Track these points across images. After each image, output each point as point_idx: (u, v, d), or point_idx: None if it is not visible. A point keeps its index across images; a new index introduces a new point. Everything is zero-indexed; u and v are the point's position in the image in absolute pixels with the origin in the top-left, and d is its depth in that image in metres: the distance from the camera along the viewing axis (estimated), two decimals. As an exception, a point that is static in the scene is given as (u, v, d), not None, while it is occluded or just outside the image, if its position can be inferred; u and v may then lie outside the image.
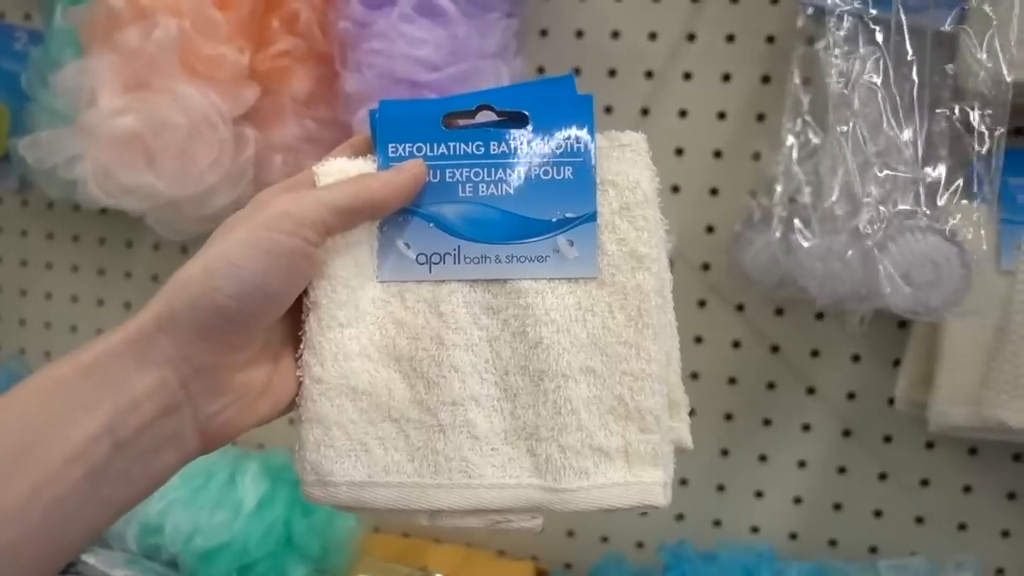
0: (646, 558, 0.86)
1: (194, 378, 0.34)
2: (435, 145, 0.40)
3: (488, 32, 0.70)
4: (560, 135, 0.40)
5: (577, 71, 0.81)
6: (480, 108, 0.41)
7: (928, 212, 0.55)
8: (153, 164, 0.68)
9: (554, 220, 0.39)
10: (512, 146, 0.40)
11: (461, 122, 0.41)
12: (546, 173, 0.39)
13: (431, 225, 0.39)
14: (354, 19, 0.69)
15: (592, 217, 0.39)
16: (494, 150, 0.40)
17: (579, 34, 0.81)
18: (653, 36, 0.80)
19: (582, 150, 0.39)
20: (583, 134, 0.40)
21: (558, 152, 0.40)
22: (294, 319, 0.39)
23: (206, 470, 0.81)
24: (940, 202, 0.55)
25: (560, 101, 0.40)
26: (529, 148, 0.40)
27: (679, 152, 0.80)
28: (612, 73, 0.81)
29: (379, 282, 0.39)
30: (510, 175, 0.39)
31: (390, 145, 0.40)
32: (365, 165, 0.40)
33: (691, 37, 0.79)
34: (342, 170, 0.39)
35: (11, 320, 1.02)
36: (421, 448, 0.38)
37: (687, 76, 0.80)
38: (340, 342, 0.38)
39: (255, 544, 0.76)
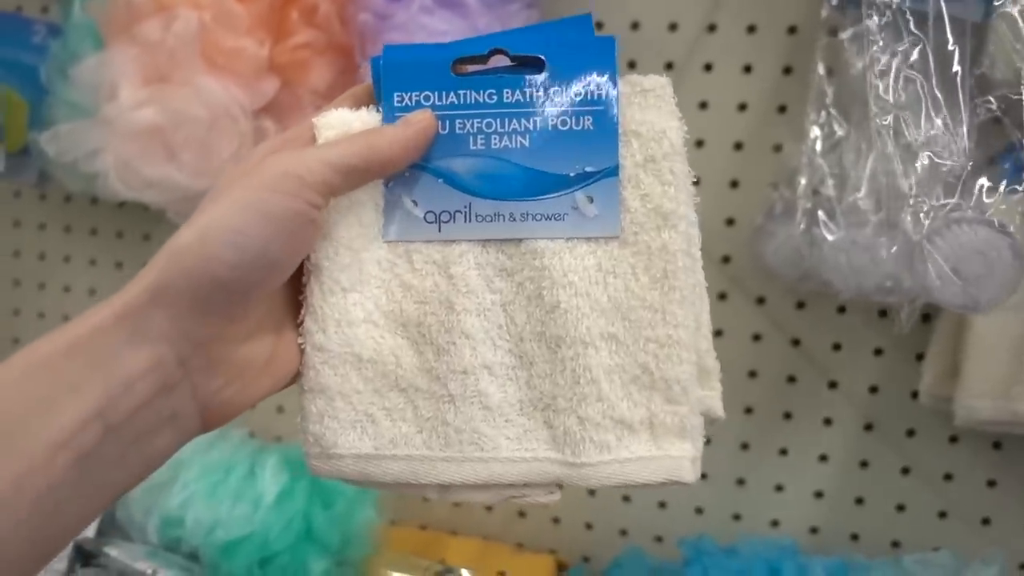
0: (665, 552, 0.86)
1: (192, 354, 0.32)
2: (444, 94, 0.36)
3: (508, 24, 0.70)
4: (580, 81, 0.36)
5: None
6: (492, 53, 0.37)
7: (972, 204, 0.54)
8: (173, 157, 0.68)
9: (572, 175, 0.36)
10: (527, 94, 0.36)
11: (471, 68, 0.38)
12: (564, 123, 0.36)
13: (440, 181, 0.36)
14: (374, 11, 0.69)
15: (614, 171, 0.36)
16: (508, 98, 0.36)
17: (599, 25, 0.80)
18: (673, 27, 0.79)
19: (603, 98, 0.36)
20: (605, 80, 0.36)
21: (577, 100, 0.36)
22: (297, 285, 0.37)
23: (226, 463, 0.81)
24: (984, 194, 0.54)
25: (579, 44, 0.36)
26: (546, 96, 0.36)
27: (699, 144, 0.80)
28: (632, 64, 0.80)
29: (384, 243, 0.36)
30: (525, 126, 0.36)
31: (395, 94, 0.36)
32: (368, 117, 0.37)
33: (712, 28, 0.79)
34: (344, 122, 0.36)
35: (30, 313, 1.03)
36: (430, 419, 0.36)
37: (708, 67, 0.79)
38: (343, 308, 0.36)
39: (275, 536, 0.76)
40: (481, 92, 0.36)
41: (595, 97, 0.36)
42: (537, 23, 0.41)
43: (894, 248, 0.53)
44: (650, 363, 0.36)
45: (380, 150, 0.34)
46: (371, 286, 0.36)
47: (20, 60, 0.87)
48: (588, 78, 0.36)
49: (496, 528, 0.91)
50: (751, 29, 0.78)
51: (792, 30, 0.77)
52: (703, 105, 0.79)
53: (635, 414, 0.35)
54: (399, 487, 0.36)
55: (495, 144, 0.37)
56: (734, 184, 0.80)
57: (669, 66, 0.79)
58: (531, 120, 0.36)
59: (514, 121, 0.36)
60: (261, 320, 0.35)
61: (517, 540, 0.91)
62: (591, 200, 0.36)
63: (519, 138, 0.36)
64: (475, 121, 0.36)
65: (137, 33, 0.69)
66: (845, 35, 0.64)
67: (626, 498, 0.88)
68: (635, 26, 0.80)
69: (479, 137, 0.36)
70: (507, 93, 0.36)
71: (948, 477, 0.80)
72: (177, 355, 0.32)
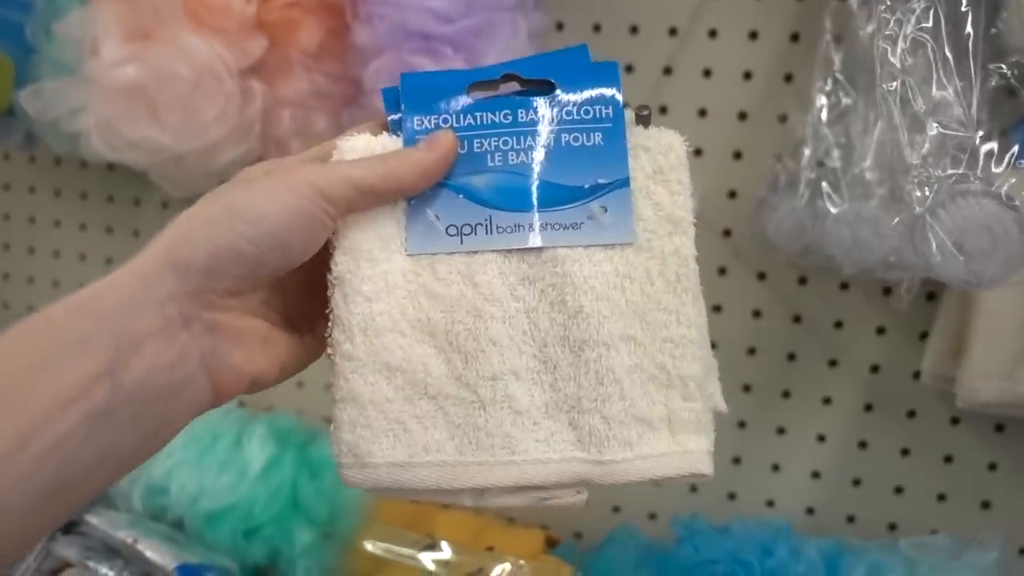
0: (658, 530, 0.84)
1: (196, 316, 0.33)
2: (462, 116, 0.39)
3: (506, -16, 0.67)
4: (588, 100, 0.39)
5: (597, 27, 0.78)
6: (504, 78, 0.39)
7: (980, 176, 0.51)
8: (157, 117, 0.66)
9: (587, 187, 0.38)
10: (540, 113, 0.39)
11: (483, 94, 0.40)
12: (576, 140, 0.39)
13: (461, 197, 0.38)
14: (365, -32, 0.67)
15: (625, 183, 0.38)
16: (522, 118, 0.39)
17: (601, -12, 0.78)
18: (678, -9, 0.77)
19: (611, 115, 0.39)
20: (612, 99, 0.39)
21: (587, 118, 0.39)
22: (290, 291, 0.38)
23: (213, 432, 0.80)
24: (993, 165, 0.51)
25: (584, 68, 0.39)
26: (558, 115, 0.39)
27: (702, 113, 0.77)
28: (634, 30, 0.78)
29: (407, 255, 0.38)
30: (540, 142, 0.39)
31: (415, 118, 0.39)
32: (390, 142, 0.38)
33: (718, -8, 0.76)
34: (368, 147, 0.38)
35: (19, 278, 1.01)
36: (461, 425, 0.37)
37: (712, 34, 0.77)
38: (369, 317, 0.37)
39: (261, 507, 0.75)
40: (497, 113, 0.39)
41: (603, 114, 0.39)
42: (539, 53, 0.44)
43: (896, 220, 0.51)
44: (667, 362, 0.38)
45: (401, 175, 0.36)
46: (396, 296, 0.37)
47: (5, 17, 0.84)
48: (596, 97, 0.39)
49: (488, 502, 0.90)
50: (758, -6, 0.75)
51: (800, -5, 0.74)
52: (707, 73, 0.77)
53: (655, 412, 0.37)
54: (434, 494, 0.37)
55: (512, 160, 0.38)
56: (737, 155, 0.78)
57: (673, 32, 0.77)
58: (545, 137, 0.39)
59: (529, 138, 0.39)
60: (257, 307, 0.37)
61: (508, 515, 0.90)
62: (605, 210, 0.38)
63: (534, 154, 0.39)
64: (492, 140, 0.39)
65: (121, -13, 0.66)
66: (854, 1, 0.62)
67: (620, 475, 0.86)
68: (638, -11, 0.77)
69: (496, 155, 0.38)
70: (521, 113, 0.39)
71: (948, 459, 0.78)
72: (182, 316, 0.33)
